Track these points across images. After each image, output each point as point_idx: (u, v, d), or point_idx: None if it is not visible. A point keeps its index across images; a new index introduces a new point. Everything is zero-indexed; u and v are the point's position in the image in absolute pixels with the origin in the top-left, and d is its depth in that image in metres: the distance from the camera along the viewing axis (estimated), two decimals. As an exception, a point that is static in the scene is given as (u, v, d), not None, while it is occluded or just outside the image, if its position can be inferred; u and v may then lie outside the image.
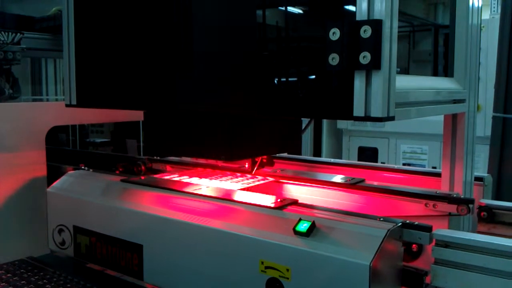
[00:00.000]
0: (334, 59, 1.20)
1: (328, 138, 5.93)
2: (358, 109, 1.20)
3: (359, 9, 1.17)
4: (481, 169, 4.15)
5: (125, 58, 1.73)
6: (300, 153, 1.94)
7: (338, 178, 1.96)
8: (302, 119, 1.87)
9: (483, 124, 4.33)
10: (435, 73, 5.58)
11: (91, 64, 1.83)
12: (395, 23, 1.19)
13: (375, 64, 1.16)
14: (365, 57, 1.16)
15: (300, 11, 1.41)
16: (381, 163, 5.29)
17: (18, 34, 2.72)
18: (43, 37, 2.91)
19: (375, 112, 1.18)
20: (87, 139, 5.09)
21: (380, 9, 1.15)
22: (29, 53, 2.89)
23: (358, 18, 1.17)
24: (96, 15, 1.81)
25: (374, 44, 1.15)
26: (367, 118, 1.19)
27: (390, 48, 1.18)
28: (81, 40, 1.83)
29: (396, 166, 2.15)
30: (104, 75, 1.81)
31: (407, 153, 5.43)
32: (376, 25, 1.15)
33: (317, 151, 5.79)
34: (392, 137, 5.47)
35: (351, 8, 1.20)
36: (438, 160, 5.10)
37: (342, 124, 5.76)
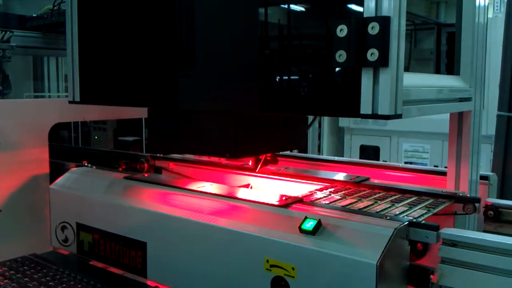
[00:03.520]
0: (341, 56, 1.19)
1: (329, 136, 5.92)
2: (366, 107, 1.19)
3: (367, 5, 1.16)
4: (483, 168, 4.14)
5: (128, 55, 1.73)
6: (305, 150, 1.93)
7: (342, 176, 1.95)
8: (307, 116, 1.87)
9: (485, 123, 4.32)
10: (437, 72, 5.57)
11: (94, 61, 1.82)
12: (403, 20, 1.18)
13: (383, 61, 1.15)
14: (372, 54, 1.15)
15: (302, 9, 1.40)
16: (383, 161, 5.28)
17: (8, 32, 2.73)
18: (33, 35, 2.93)
19: (383, 109, 1.17)
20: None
21: (388, 5, 1.14)
22: (21, 51, 2.91)
23: (365, 14, 1.16)
24: (100, 13, 1.80)
25: (382, 41, 1.14)
26: (374, 115, 1.18)
27: (398, 45, 1.16)
28: (85, 37, 1.82)
29: (400, 165, 2.14)
30: (107, 72, 1.80)
31: (409, 151, 5.42)
32: (384, 21, 1.14)
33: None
34: (394, 135, 5.46)
35: (358, 5, 1.19)
36: (440, 159, 5.09)
37: (344, 122, 5.75)
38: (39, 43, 2.97)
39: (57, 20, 2.77)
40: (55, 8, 2.78)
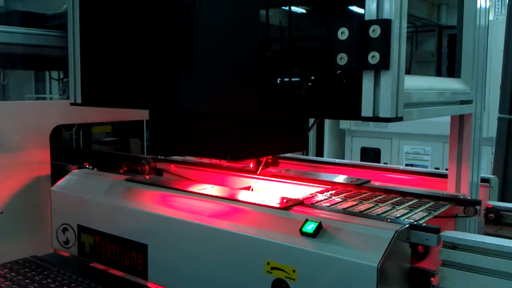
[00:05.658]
0: (342, 58, 1.19)
1: (330, 139, 5.92)
2: (367, 110, 1.19)
3: (368, 8, 1.16)
4: (484, 170, 4.14)
5: (129, 57, 1.73)
6: (306, 151, 1.93)
7: (343, 179, 1.95)
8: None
9: (486, 125, 4.32)
10: (438, 74, 5.57)
11: (96, 63, 1.82)
12: (404, 23, 1.18)
13: (384, 64, 1.15)
14: (374, 57, 1.15)
15: (304, 11, 1.40)
16: (384, 163, 5.28)
17: None
18: (53, 34, 2.90)
19: (384, 112, 1.17)
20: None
21: (390, 8, 1.14)
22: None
23: (367, 17, 1.17)
24: (101, 15, 1.80)
25: (383, 44, 1.14)
26: (375, 118, 1.18)
27: (399, 48, 1.17)
28: (86, 39, 1.83)
29: (401, 167, 2.14)
30: (109, 74, 1.80)
31: (409, 154, 5.42)
32: (386, 24, 1.14)
33: (319, 152, 5.79)
34: (395, 137, 5.46)
35: (359, 7, 1.19)
36: (440, 161, 5.09)
37: (344, 124, 5.75)
38: (60, 43, 2.94)
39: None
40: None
